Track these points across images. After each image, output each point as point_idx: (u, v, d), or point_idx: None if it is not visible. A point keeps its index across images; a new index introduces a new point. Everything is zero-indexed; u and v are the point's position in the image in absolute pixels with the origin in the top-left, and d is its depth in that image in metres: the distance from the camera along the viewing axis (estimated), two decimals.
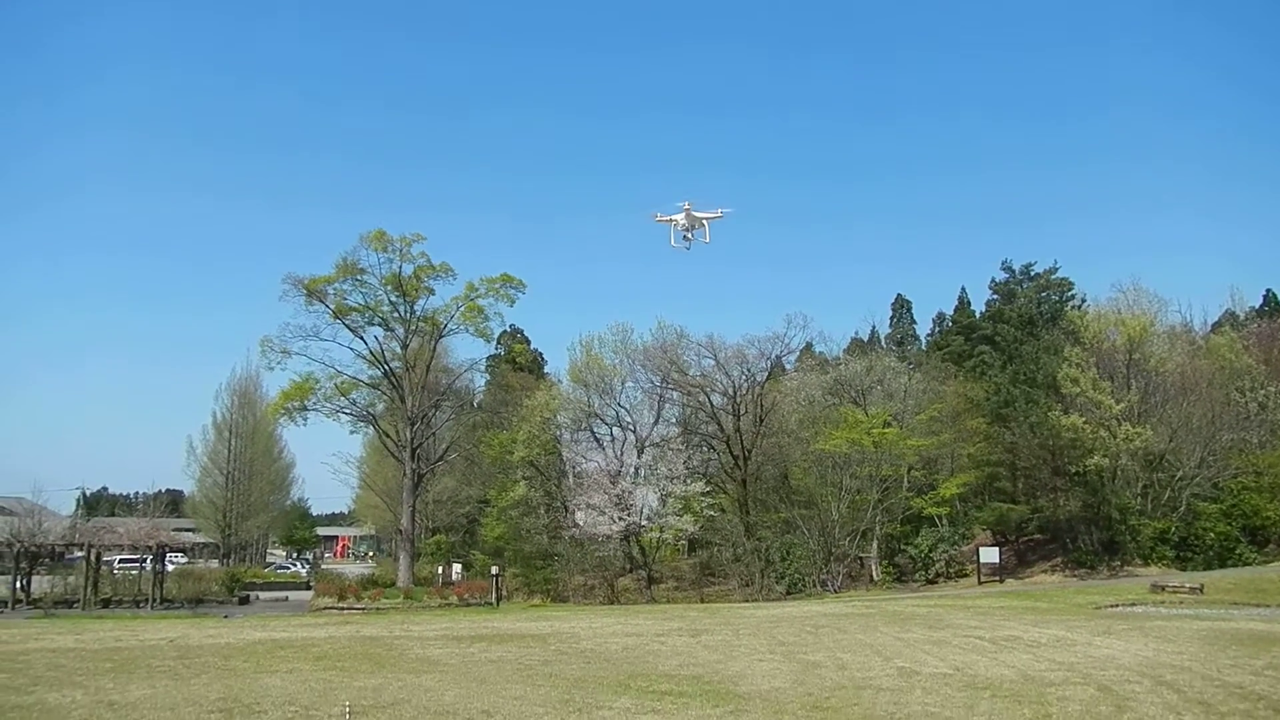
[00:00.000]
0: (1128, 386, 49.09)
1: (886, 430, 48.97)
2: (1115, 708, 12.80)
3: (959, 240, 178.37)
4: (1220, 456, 47.68)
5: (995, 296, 67.76)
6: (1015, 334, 57.68)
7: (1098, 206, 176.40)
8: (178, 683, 15.60)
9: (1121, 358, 50.24)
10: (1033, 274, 64.65)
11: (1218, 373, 50.99)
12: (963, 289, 76.55)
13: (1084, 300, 60.20)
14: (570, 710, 12.92)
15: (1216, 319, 65.75)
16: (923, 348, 74.26)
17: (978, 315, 71.27)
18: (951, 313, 76.37)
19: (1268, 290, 72.08)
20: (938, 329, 78.33)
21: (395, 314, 53.40)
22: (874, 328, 77.52)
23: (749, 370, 53.66)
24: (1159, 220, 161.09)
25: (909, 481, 51.57)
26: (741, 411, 52.93)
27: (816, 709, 12.93)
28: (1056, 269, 63.66)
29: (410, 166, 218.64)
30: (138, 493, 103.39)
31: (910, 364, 58.44)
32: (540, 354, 75.24)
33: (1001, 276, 67.00)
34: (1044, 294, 62.51)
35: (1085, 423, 46.87)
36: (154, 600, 41.22)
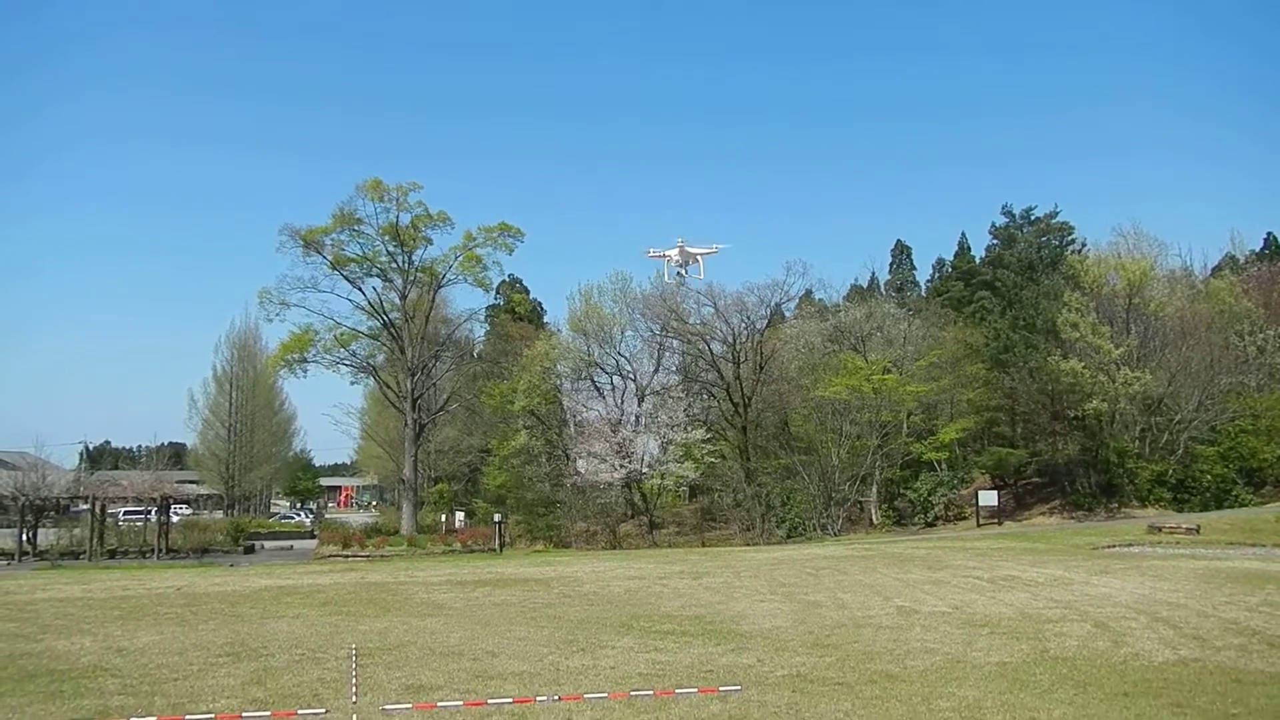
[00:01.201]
0: (1127, 331, 49.06)
1: (886, 377, 49.04)
2: (1112, 643, 12.97)
3: (959, 185, 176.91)
4: (1218, 400, 47.82)
5: (995, 241, 67.31)
6: (1015, 279, 57.43)
7: (1099, 150, 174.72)
8: (185, 629, 15.78)
9: (1121, 302, 50.13)
10: (1033, 218, 64.11)
11: (1217, 316, 50.93)
12: (963, 234, 76.10)
13: (1084, 245, 59.85)
14: (574, 650, 13.08)
15: (1217, 263, 65.43)
16: (923, 294, 74.04)
17: (978, 261, 70.92)
18: (951, 258, 76.05)
19: (1268, 234, 71.66)
20: (938, 275, 78.05)
21: (393, 264, 53.12)
22: (874, 274, 77.35)
23: (748, 318, 53.64)
24: (1160, 165, 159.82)
25: (908, 427, 51.79)
26: (741, 359, 52.95)
27: (817, 646, 13.09)
28: (1057, 212, 63.17)
29: (405, 119, 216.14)
30: (140, 446, 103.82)
31: (910, 310, 58.22)
32: (539, 304, 75.08)
33: (1002, 221, 66.50)
34: (1044, 238, 62.07)
35: (1084, 367, 46.92)
36: (160, 551, 41.55)
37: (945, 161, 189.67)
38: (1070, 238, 61.56)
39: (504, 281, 69.26)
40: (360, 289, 53.00)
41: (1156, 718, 8.88)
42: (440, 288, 54.98)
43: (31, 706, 9.86)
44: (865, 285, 72.35)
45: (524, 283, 75.98)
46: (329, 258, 51.42)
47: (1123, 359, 47.12)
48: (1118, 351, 47.04)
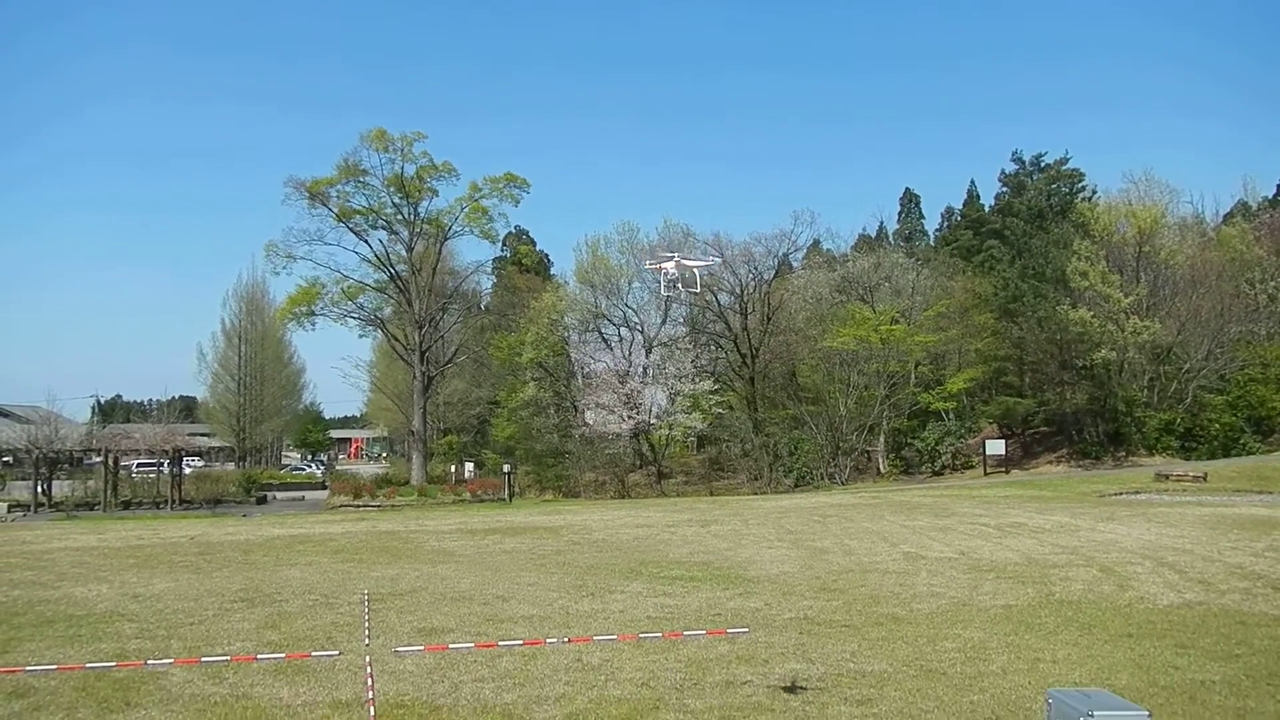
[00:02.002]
0: (1137, 279, 48.69)
1: (894, 327, 48.89)
2: (1117, 586, 13.07)
3: (969, 133, 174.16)
4: (1228, 349, 47.60)
5: (1005, 189, 66.44)
6: (1024, 227, 56.78)
7: (1110, 101, 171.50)
8: (200, 576, 16.01)
9: (1131, 250, 49.67)
10: (1043, 165, 63.14)
11: (1228, 264, 50.45)
12: (972, 182, 75.07)
13: (1095, 192, 58.96)
14: (584, 594, 13.24)
15: (1229, 209, 64.60)
16: (931, 243, 73.34)
17: (987, 209, 70.10)
18: (961, 207, 75.27)
19: None
20: (946, 224, 77.30)
21: (399, 216, 52.82)
22: (882, 224, 76.66)
23: (756, 269, 53.33)
24: (1172, 118, 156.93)
25: (916, 377, 51.73)
26: (749, 310, 52.80)
27: (824, 590, 13.22)
28: (1068, 159, 62.14)
29: (410, 71, 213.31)
30: (151, 400, 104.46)
31: (918, 260, 57.69)
32: (546, 255, 74.71)
33: (1011, 168, 65.55)
34: (1054, 186, 61.17)
35: (1093, 316, 46.68)
36: (173, 501, 42.01)
37: (956, 110, 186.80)
38: (1080, 185, 60.71)
39: (510, 233, 68.94)
40: (366, 241, 52.83)
41: (1160, 658, 8.96)
42: (446, 240, 54.75)
43: (51, 650, 10.04)
44: (873, 235, 71.72)
45: (530, 235, 75.63)
46: (334, 210, 51.18)
47: (1132, 308, 46.86)
48: (1127, 300, 46.76)
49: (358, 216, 51.91)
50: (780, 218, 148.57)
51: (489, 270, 62.00)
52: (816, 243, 60.34)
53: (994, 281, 55.07)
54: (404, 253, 53.45)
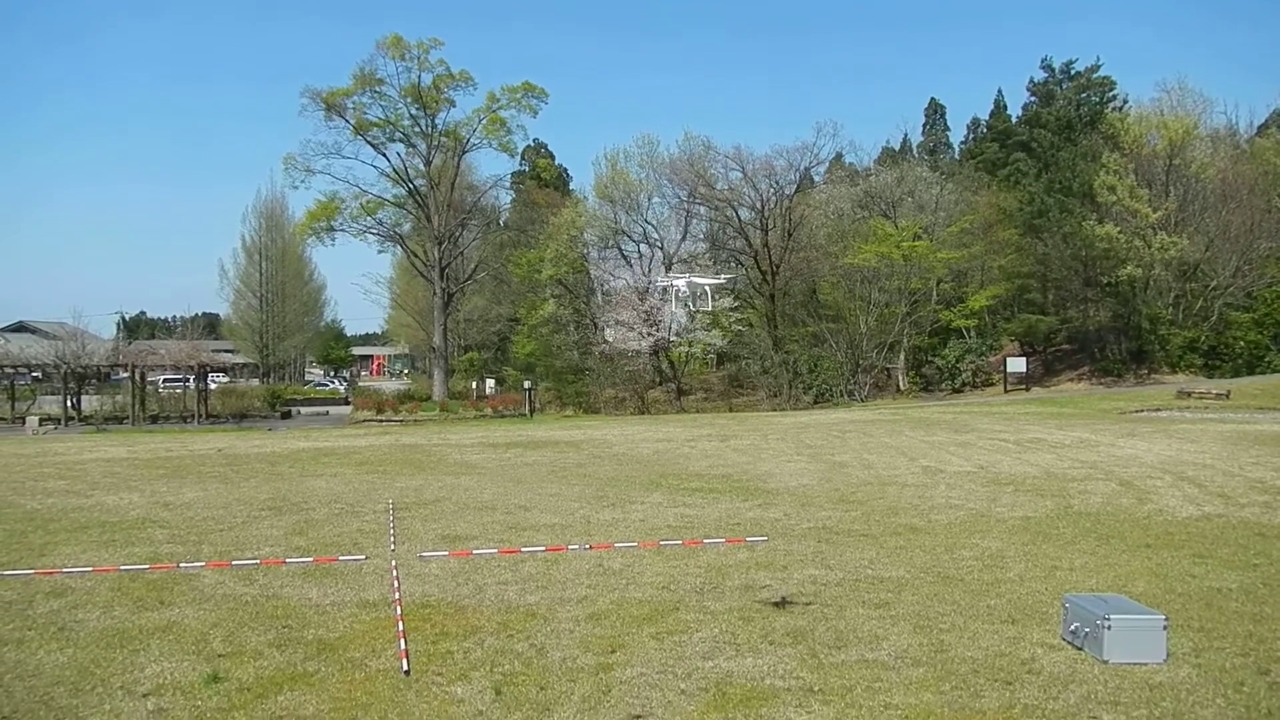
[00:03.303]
0: (1166, 194, 47.66)
1: (916, 243, 48.31)
2: (1136, 499, 13.09)
3: (998, 42, 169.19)
4: (1256, 265, 46.79)
5: (1033, 99, 64.61)
6: (1052, 139, 55.39)
7: (1144, 2, 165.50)
8: (228, 486, 16.31)
9: (1161, 163, 48.48)
10: (1073, 73, 61.05)
11: (1260, 178, 49.18)
12: (999, 92, 73.04)
13: (1125, 102, 57.15)
14: (604, 504, 13.41)
15: (1264, 120, 62.64)
16: (956, 157, 71.91)
17: (1014, 120, 68.39)
18: (987, 118, 73.49)
19: None
20: (972, 136, 75.58)
21: (416, 129, 52.28)
22: (906, 136, 75.04)
23: (777, 183, 52.59)
24: (1208, 19, 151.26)
25: (938, 294, 51.32)
26: (770, 226, 52.25)
27: (843, 502, 13.33)
28: (1099, 66, 59.91)
29: None
30: (175, 316, 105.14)
31: (942, 174, 56.61)
32: (565, 170, 73.92)
33: (1040, 76, 63.61)
34: (1084, 95, 59.31)
35: (1120, 232, 45.89)
36: (200, 416, 42.74)
37: (986, 17, 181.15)
38: (1111, 94, 58.84)
39: (529, 146, 68.23)
40: (384, 155, 52.45)
41: (1178, 567, 9.01)
42: (465, 153, 54.24)
43: (86, 553, 10.30)
44: (897, 148, 70.30)
45: (549, 148, 74.81)
46: (351, 122, 50.69)
47: (1160, 223, 46.00)
48: (1155, 215, 45.87)
49: (375, 129, 51.43)
50: (803, 130, 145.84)
51: (508, 185, 61.55)
52: (839, 156, 59.30)
53: (1019, 196, 54.11)
54: (422, 166, 53.05)
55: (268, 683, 6.06)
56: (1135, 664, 6.10)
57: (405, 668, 6.25)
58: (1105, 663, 6.14)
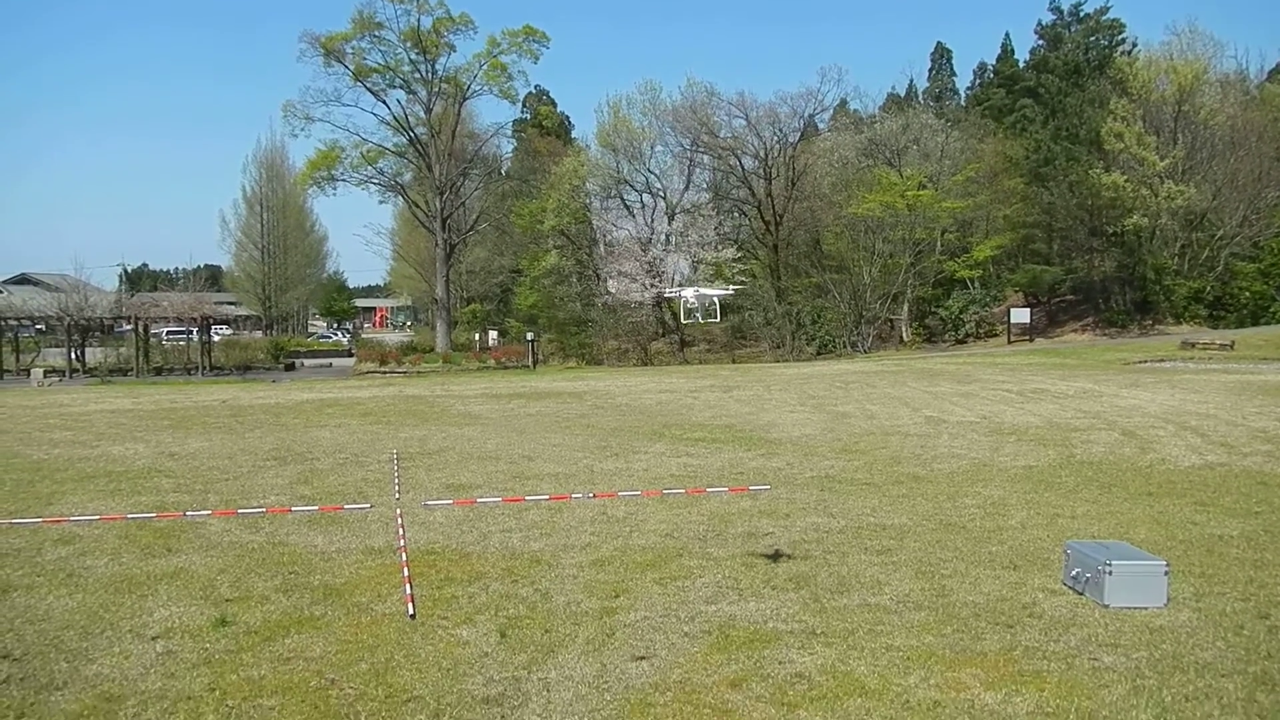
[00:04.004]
0: (1174, 141, 47.08)
1: (921, 192, 47.90)
2: (1139, 449, 13.11)
3: None
4: (1263, 214, 46.36)
5: (1041, 43, 63.51)
6: (1059, 85, 54.53)
7: None
8: (233, 436, 16.38)
9: (1170, 110, 47.80)
10: (1082, 15, 59.95)
11: (1270, 125, 48.51)
12: (1006, 35, 72.05)
13: (1135, 45, 56.21)
14: (607, 454, 13.46)
15: (1275, 64, 61.63)
16: (962, 103, 70.98)
17: (1021, 65, 67.41)
18: (994, 63, 72.42)
19: None
20: (978, 82, 74.55)
21: (416, 75, 51.62)
22: (911, 82, 74.05)
23: (781, 130, 52.00)
24: None
25: (942, 245, 51.00)
26: (773, 175, 51.78)
27: (846, 452, 13.37)
28: (1108, 8, 58.68)
29: None
30: (177, 268, 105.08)
31: (948, 121, 55.85)
32: (567, 118, 73.12)
33: (1048, 19, 62.50)
34: (1092, 38, 58.27)
35: (1126, 181, 45.44)
36: (203, 368, 42.82)
37: None
38: (1121, 37, 57.83)
39: (530, 94, 67.47)
40: (384, 102, 51.89)
41: (1180, 515, 9.04)
42: (465, 99, 53.61)
43: (93, 502, 10.37)
44: (902, 94, 69.40)
45: (551, 95, 73.97)
46: (351, 68, 50.10)
47: (1167, 171, 45.52)
48: (1163, 163, 45.38)
49: (375, 75, 50.85)
50: (808, 76, 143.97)
51: (509, 133, 60.96)
52: (844, 103, 58.58)
53: (1025, 143, 53.52)
54: (422, 114, 52.49)
55: (275, 626, 6.12)
56: (1136, 608, 6.15)
57: (411, 612, 6.31)
58: (1106, 607, 6.18)
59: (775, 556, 7.14)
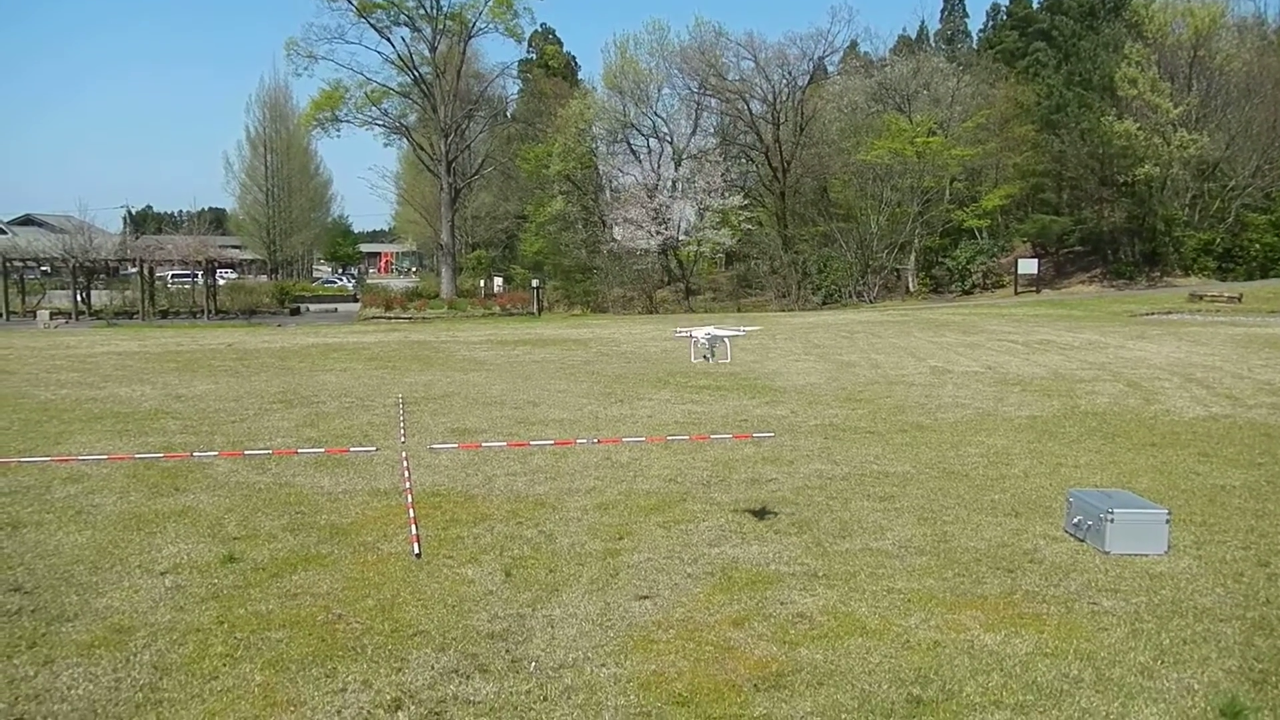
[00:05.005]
0: (1188, 88, 46.29)
1: (931, 139, 47.28)
2: (1143, 400, 13.12)
3: None
4: (1277, 165, 45.67)
5: None
6: (1074, 27, 53.45)
7: None
8: (239, 379, 16.43)
9: (1185, 55, 46.86)
10: None
11: None
12: None
13: None
14: (612, 401, 13.50)
15: None
16: (974, 46, 69.80)
17: (1035, 6, 66.13)
18: (1007, 3, 70.99)
19: None
20: (991, 23, 73.10)
21: (421, 10, 50.62)
22: (923, 23, 72.72)
23: (790, 73, 51.12)
24: None
25: (950, 193, 50.48)
26: (781, 120, 51.08)
27: (850, 400, 13.39)
28: None
29: None
30: (181, 211, 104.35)
31: (960, 65, 54.88)
32: (573, 58, 71.97)
33: None
34: None
35: (1139, 129, 44.79)
36: (209, 311, 42.79)
37: None
38: None
39: (536, 32, 66.26)
40: (388, 39, 51.00)
41: (1183, 465, 9.07)
42: (470, 37, 52.59)
43: (101, 442, 10.44)
44: (914, 37, 68.22)
45: (557, 34, 72.75)
46: (354, 3, 49.25)
47: (1181, 119, 44.86)
48: (1176, 111, 44.67)
49: (379, 11, 49.90)
50: (818, 17, 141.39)
51: (515, 74, 60.07)
52: (854, 45, 57.52)
53: (1037, 89, 52.65)
54: (427, 53, 51.59)
55: (282, 563, 6.19)
56: (1136, 555, 6.19)
57: (417, 551, 6.37)
58: (1107, 554, 6.22)
59: (761, 514, 7.16)
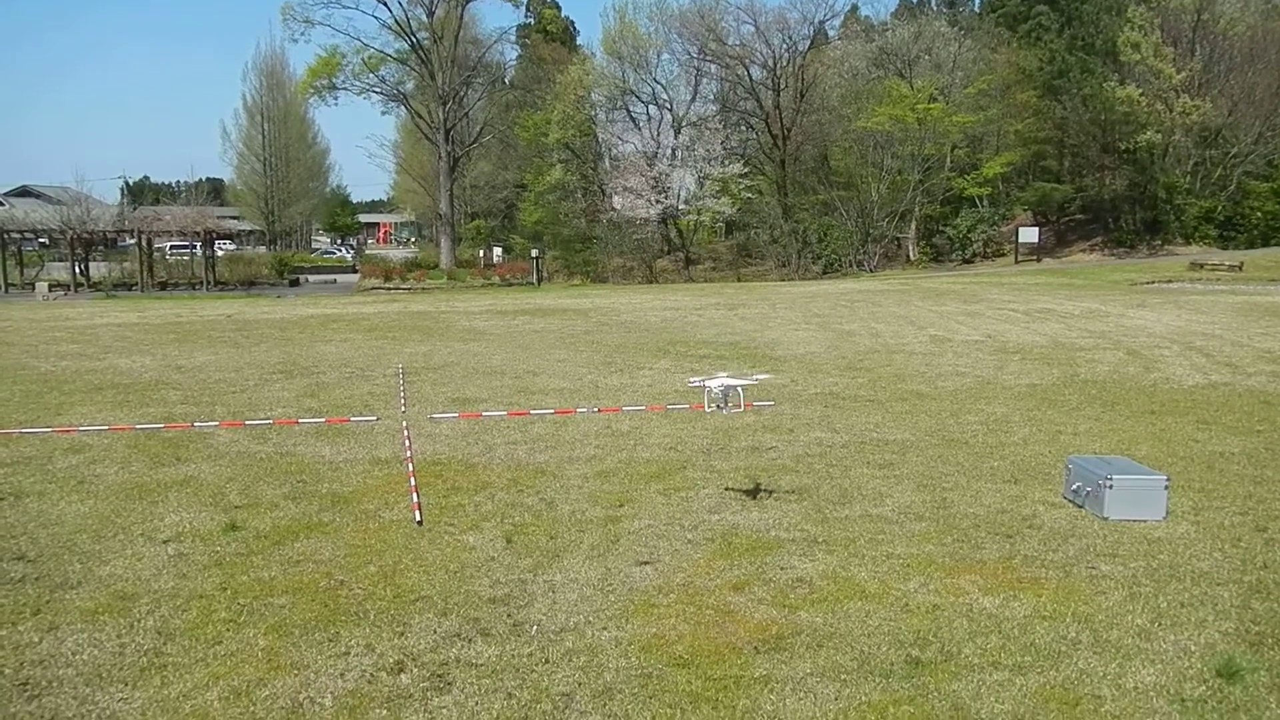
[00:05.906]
0: (1191, 53, 45.88)
1: (932, 106, 46.92)
2: (1143, 368, 13.12)
3: None
4: (1279, 132, 45.53)
5: None
6: None
7: None
8: (239, 350, 16.43)
9: (1189, 19, 46.35)
10: None
11: None
12: None
13: None
14: (612, 370, 13.51)
15: None
16: (976, 9, 69.09)
17: None
18: None
19: None
20: None
21: None
22: None
23: (790, 38, 50.62)
24: None
25: (951, 161, 50.18)
26: (781, 86, 50.66)
27: (850, 369, 13.39)
28: None
29: None
30: (179, 181, 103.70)
31: (961, 29, 54.37)
32: (572, 23, 71.37)
33: None
34: None
35: (1141, 95, 44.45)
36: (208, 283, 42.70)
37: None
38: None
39: None
40: (385, 3, 50.56)
41: (1182, 432, 9.09)
42: (468, 1, 52.20)
43: (102, 413, 10.46)
44: (915, 0, 67.55)
45: None
46: None
47: (1183, 85, 44.50)
48: (1179, 76, 44.30)
49: None
50: None
51: (513, 39, 59.49)
52: (855, 8, 57.03)
53: (1040, 54, 52.11)
54: (424, 17, 51.09)
55: (284, 531, 6.22)
56: (1135, 521, 6.21)
57: (418, 518, 6.40)
58: (1105, 520, 6.25)
59: (754, 492, 7.15)
